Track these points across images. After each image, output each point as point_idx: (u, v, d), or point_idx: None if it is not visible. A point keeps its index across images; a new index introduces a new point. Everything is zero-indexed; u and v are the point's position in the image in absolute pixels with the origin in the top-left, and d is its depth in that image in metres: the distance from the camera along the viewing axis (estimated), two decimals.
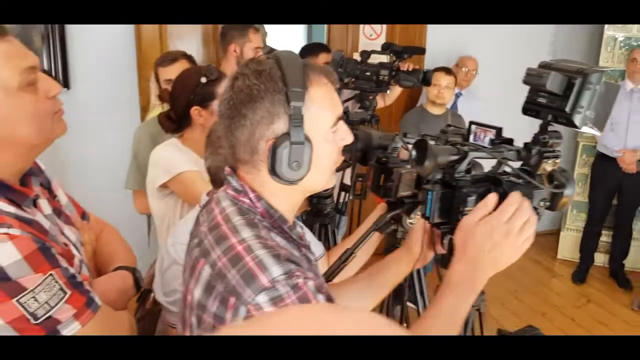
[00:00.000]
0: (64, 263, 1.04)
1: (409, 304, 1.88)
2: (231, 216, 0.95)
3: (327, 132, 0.97)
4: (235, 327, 0.45)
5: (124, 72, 3.42)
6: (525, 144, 1.15)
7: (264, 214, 0.97)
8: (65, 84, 3.29)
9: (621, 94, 3.77)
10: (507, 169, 1.14)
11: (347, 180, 2.01)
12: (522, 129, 1.26)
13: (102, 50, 3.39)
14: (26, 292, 0.96)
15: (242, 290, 0.84)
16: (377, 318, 0.42)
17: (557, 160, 1.12)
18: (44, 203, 1.17)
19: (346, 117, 1.85)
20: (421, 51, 2.89)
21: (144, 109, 3.34)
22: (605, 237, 4.33)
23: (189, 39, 3.42)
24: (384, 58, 2.84)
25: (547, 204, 1.11)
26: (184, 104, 1.88)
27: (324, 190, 1.81)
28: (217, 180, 1.49)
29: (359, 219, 3.34)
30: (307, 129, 0.93)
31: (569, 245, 4.55)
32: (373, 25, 3.99)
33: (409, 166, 1.25)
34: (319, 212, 2.01)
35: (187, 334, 0.95)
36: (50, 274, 0.99)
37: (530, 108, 1.14)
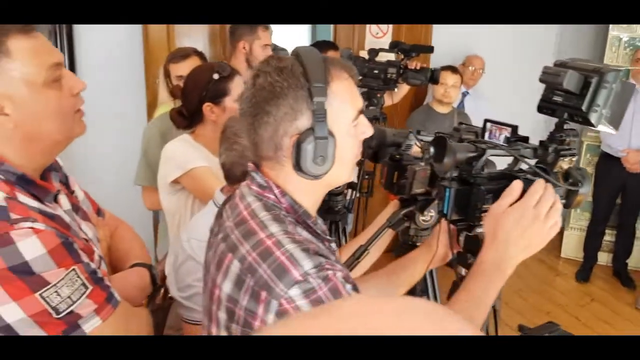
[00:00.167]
0: (85, 258, 1.05)
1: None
2: (257, 212, 0.96)
3: (349, 126, 0.98)
4: (301, 319, 0.44)
5: (131, 70, 3.42)
6: (541, 141, 1.16)
7: (288, 210, 0.97)
8: None
9: None
10: (524, 167, 1.15)
11: (354, 178, 2.02)
12: (527, 127, 1.27)
13: (109, 49, 3.39)
14: (49, 286, 0.96)
15: (274, 285, 0.85)
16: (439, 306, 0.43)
17: (574, 158, 1.14)
18: (63, 199, 1.18)
19: None
20: (429, 50, 2.89)
21: (150, 105, 3.35)
22: (609, 237, 4.34)
23: (195, 37, 3.42)
24: (392, 56, 2.85)
25: (563, 201, 1.13)
26: (196, 100, 1.89)
27: (336, 187, 1.82)
28: (231, 176, 1.50)
29: (365, 216, 3.35)
30: (330, 124, 0.94)
31: (572, 244, 4.56)
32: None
33: (422, 163, 1.26)
34: (330, 209, 2.02)
35: (214, 328, 0.96)
36: (73, 269, 1.00)
37: (545, 106, 1.15)
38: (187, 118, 1.95)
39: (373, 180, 3.10)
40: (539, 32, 4.38)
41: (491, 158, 1.17)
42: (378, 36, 3.97)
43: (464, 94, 4.03)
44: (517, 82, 4.46)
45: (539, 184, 1.04)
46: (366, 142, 1.30)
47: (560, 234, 4.66)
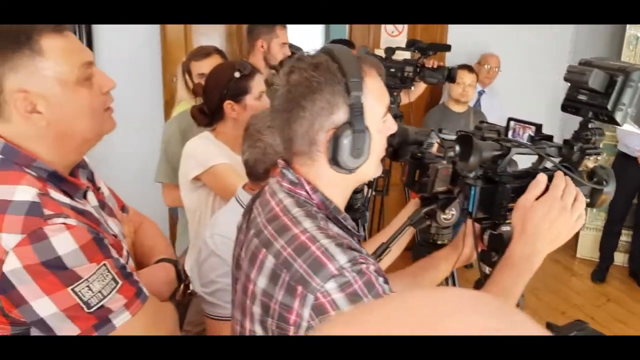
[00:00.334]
0: (114, 254, 1.07)
1: None
2: (290, 208, 0.97)
3: (379, 121, 1.00)
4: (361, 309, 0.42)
5: (149, 69, 3.46)
6: (566, 140, 1.16)
7: (319, 206, 0.99)
8: None
9: None
10: (548, 165, 1.15)
11: None
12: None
13: (127, 49, 3.43)
14: (81, 281, 0.98)
15: (311, 279, 0.87)
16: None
17: (599, 157, 1.14)
18: (91, 195, 1.20)
19: None
20: (446, 48, 2.89)
21: (167, 104, 3.38)
22: (625, 237, 4.31)
23: (212, 36, 3.45)
24: (408, 54, 2.85)
25: (587, 200, 1.13)
26: (217, 98, 1.90)
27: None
28: (254, 173, 1.52)
29: (380, 215, 3.35)
30: (365, 118, 0.96)
31: (588, 244, 4.53)
32: None
33: (444, 162, 1.26)
34: (349, 207, 2.02)
35: (248, 322, 0.98)
36: (104, 264, 1.02)
37: (570, 105, 1.15)
38: (208, 115, 1.96)
39: (389, 179, 3.11)
40: (555, 30, 4.35)
41: (513, 157, 1.17)
42: (394, 35, 3.97)
43: (480, 93, 4.02)
44: (532, 81, 4.45)
45: (560, 177, 1.06)
46: (387, 140, 1.32)
47: (575, 234, 4.62)
